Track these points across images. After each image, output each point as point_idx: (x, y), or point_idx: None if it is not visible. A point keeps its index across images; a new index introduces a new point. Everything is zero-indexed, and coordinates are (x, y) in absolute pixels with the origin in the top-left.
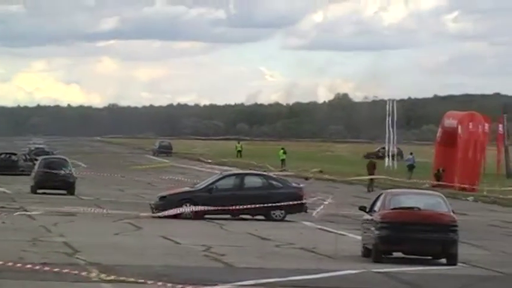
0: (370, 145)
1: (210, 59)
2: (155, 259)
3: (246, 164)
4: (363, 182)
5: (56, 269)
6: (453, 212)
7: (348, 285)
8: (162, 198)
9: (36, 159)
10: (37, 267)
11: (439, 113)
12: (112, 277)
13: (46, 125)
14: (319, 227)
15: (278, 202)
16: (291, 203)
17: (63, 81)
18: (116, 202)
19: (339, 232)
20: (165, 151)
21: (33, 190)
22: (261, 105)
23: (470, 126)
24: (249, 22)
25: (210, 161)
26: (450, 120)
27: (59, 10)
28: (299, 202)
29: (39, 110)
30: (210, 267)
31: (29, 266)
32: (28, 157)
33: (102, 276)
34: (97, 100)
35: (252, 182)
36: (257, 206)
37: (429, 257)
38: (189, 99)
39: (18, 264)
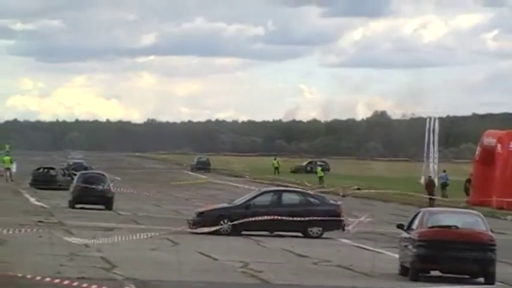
0: (407, 163)
1: (248, 75)
2: (192, 275)
3: (283, 181)
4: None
5: (93, 284)
6: (491, 231)
7: None
8: (200, 214)
9: (75, 174)
10: (75, 283)
11: (478, 131)
12: None
13: (84, 140)
14: (357, 244)
15: (315, 219)
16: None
17: (103, 97)
18: (153, 217)
19: (376, 250)
20: (203, 167)
21: (72, 205)
22: (299, 121)
23: (510, 145)
24: (287, 39)
25: (247, 177)
26: (489, 138)
27: (99, 25)
28: (336, 219)
29: (78, 124)
30: (246, 284)
31: (66, 281)
32: (66, 172)
33: None
34: (136, 115)
35: (289, 198)
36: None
37: (467, 276)
38: (227, 115)
39: (56, 280)
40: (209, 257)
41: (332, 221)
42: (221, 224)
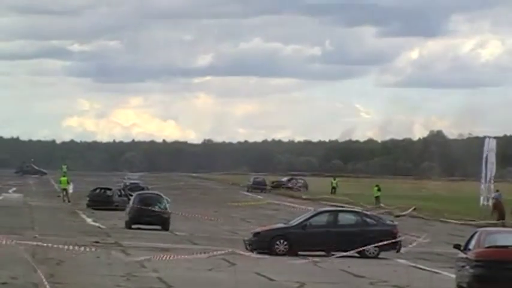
0: (464, 183)
1: (305, 95)
2: None
3: (340, 201)
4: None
5: None
6: None
7: None
8: (256, 234)
9: (131, 195)
10: None
11: None
12: None
13: (141, 161)
14: (413, 264)
15: (372, 239)
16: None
17: (159, 117)
18: (209, 238)
19: (433, 270)
20: (259, 187)
21: (128, 225)
22: (355, 141)
23: None
24: (344, 59)
25: (304, 197)
26: None
27: (156, 46)
28: (393, 239)
29: (134, 145)
30: None
31: None
32: (123, 192)
33: None
34: (192, 136)
35: (345, 219)
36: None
37: None
38: (283, 135)
39: None
40: (266, 277)
41: (388, 241)
42: (277, 245)
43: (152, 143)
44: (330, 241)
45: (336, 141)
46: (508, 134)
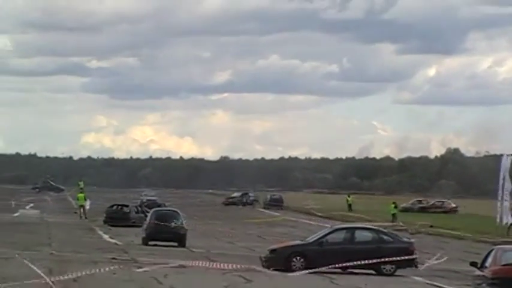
0: (480, 201)
1: (322, 112)
2: None
3: (356, 218)
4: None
5: None
6: None
7: None
8: (273, 251)
9: (148, 211)
10: None
11: None
12: None
13: (157, 177)
14: (429, 282)
15: (388, 256)
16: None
17: (176, 134)
18: (226, 254)
19: None
20: (275, 204)
21: (145, 242)
22: (372, 159)
23: None
24: (361, 76)
25: (320, 214)
26: None
27: (173, 63)
28: (410, 257)
29: (151, 161)
30: None
31: None
32: (140, 209)
33: None
34: (209, 153)
35: (362, 236)
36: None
37: None
38: (300, 152)
39: None
40: None
41: (405, 259)
42: (294, 262)
43: (169, 159)
44: (347, 258)
45: (352, 158)
46: None
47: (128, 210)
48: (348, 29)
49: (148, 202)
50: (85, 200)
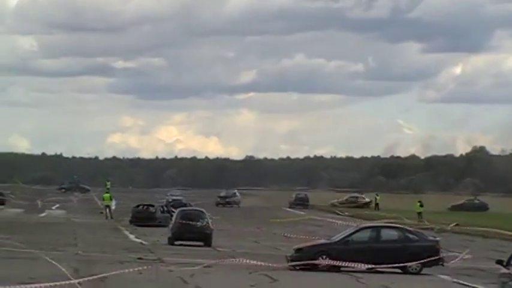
0: (505, 198)
1: (347, 112)
2: None
3: (382, 217)
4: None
5: None
6: None
7: None
8: (299, 250)
9: (174, 211)
10: None
11: None
12: None
13: (183, 177)
14: (455, 280)
15: (414, 255)
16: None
17: (202, 134)
18: (252, 254)
19: (476, 286)
20: (301, 203)
21: (171, 242)
22: (398, 157)
23: None
24: (387, 75)
25: (346, 213)
26: None
27: (199, 63)
28: (436, 255)
29: (177, 161)
30: None
31: None
32: (165, 209)
33: None
34: (235, 152)
35: (388, 234)
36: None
37: None
38: (326, 151)
39: None
40: None
41: (431, 257)
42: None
43: (194, 159)
44: (373, 257)
45: (378, 157)
46: None
47: (154, 210)
48: (373, 28)
49: (174, 202)
50: (111, 200)
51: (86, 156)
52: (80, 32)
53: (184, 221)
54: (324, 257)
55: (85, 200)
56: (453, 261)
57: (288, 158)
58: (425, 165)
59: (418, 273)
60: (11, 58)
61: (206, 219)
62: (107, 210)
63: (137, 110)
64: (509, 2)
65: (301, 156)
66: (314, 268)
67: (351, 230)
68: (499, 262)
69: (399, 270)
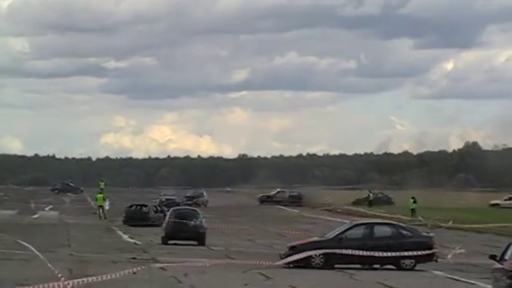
0: (496, 194)
1: (340, 109)
2: None
3: (375, 214)
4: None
5: None
6: None
7: None
8: (292, 248)
9: (167, 210)
10: None
11: None
12: None
13: (176, 176)
14: (449, 276)
15: (408, 251)
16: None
17: (195, 133)
18: (246, 252)
19: (469, 281)
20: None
21: (164, 241)
22: (390, 154)
23: None
24: (379, 72)
25: (339, 210)
26: None
27: (191, 62)
28: (429, 251)
29: (169, 161)
30: None
31: None
32: (159, 208)
33: None
34: (228, 151)
35: (381, 231)
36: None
37: None
38: (318, 149)
39: None
40: None
41: (425, 253)
42: (313, 258)
43: (187, 158)
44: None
45: (371, 154)
46: None
47: (147, 210)
48: (364, 25)
49: (167, 201)
50: (104, 200)
51: (78, 157)
52: (72, 33)
53: (177, 220)
54: (318, 254)
55: (78, 201)
56: (449, 256)
57: (281, 156)
58: (418, 161)
59: (412, 269)
60: (3, 60)
61: (200, 218)
62: (100, 210)
63: (129, 110)
64: None
65: (294, 154)
66: (308, 265)
67: (345, 227)
68: (493, 257)
69: (393, 267)
